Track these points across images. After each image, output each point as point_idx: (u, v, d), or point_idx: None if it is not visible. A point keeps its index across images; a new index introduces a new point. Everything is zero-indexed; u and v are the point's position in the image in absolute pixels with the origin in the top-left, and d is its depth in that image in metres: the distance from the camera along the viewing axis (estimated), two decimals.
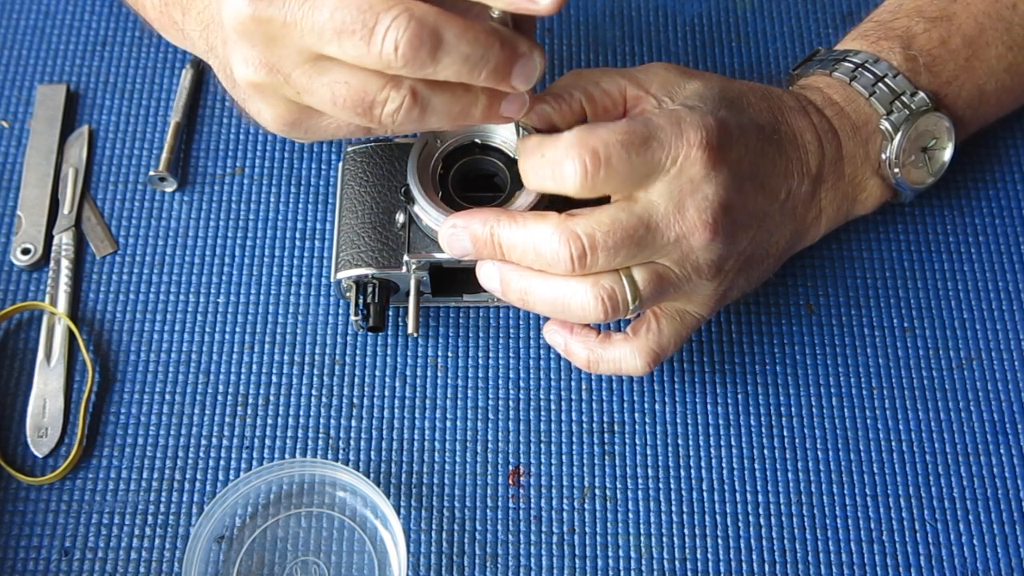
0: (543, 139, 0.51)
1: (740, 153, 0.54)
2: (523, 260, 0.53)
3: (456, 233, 0.55)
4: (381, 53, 0.44)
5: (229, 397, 0.62)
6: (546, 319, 0.60)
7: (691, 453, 0.61)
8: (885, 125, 0.60)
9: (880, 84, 0.60)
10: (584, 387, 0.63)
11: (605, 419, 0.62)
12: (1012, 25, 0.63)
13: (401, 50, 0.44)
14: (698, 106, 0.53)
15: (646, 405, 0.62)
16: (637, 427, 0.62)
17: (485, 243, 0.54)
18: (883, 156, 0.60)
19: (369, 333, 0.64)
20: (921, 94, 0.60)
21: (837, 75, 0.61)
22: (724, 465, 0.61)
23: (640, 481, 0.60)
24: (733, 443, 0.61)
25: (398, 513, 0.58)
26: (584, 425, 0.62)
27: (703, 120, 0.52)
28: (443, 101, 0.48)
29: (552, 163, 0.51)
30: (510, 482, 0.60)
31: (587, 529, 0.59)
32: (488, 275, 0.56)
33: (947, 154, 0.62)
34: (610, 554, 0.59)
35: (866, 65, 0.61)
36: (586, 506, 0.60)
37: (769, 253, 0.59)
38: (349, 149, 0.63)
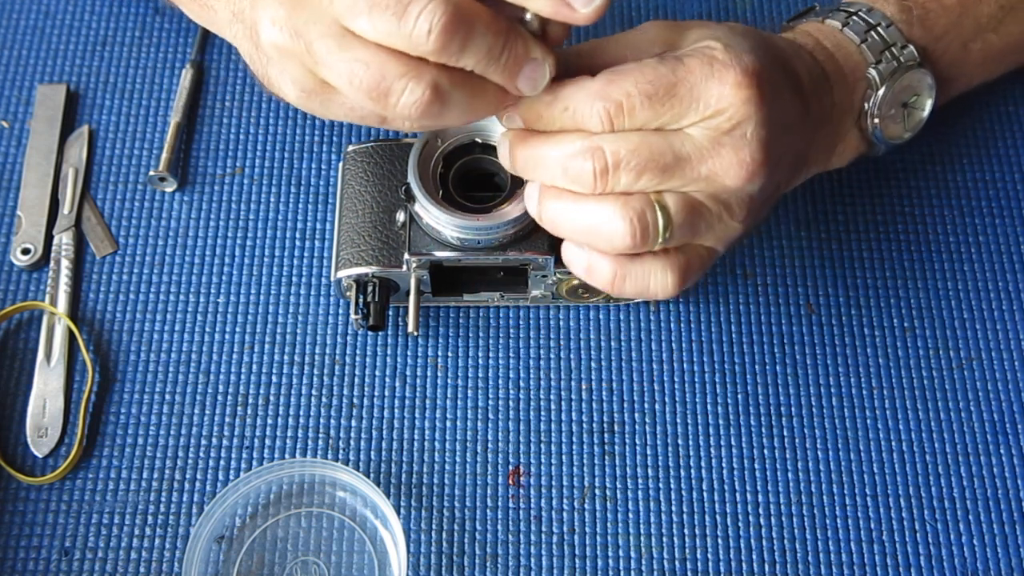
0: (559, 88, 0.50)
1: (774, 90, 0.52)
2: (553, 180, 0.52)
3: (504, 152, 0.54)
4: (412, 33, 0.44)
5: (229, 397, 0.62)
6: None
7: (691, 453, 0.61)
8: (872, 74, 0.59)
9: (872, 32, 0.60)
10: (584, 387, 0.63)
11: (605, 419, 0.62)
12: None
13: (435, 34, 0.43)
14: (736, 44, 0.51)
15: (646, 405, 0.62)
16: (637, 427, 0.62)
17: (518, 161, 0.53)
18: (865, 106, 0.60)
19: (369, 333, 0.64)
20: (911, 47, 0.60)
21: (829, 21, 0.61)
22: (724, 465, 0.61)
23: (640, 481, 0.60)
24: (733, 443, 0.61)
25: (398, 513, 0.58)
26: (584, 425, 0.62)
27: (739, 59, 0.50)
28: (462, 96, 0.47)
29: (574, 114, 0.49)
30: (510, 482, 0.60)
31: (587, 529, 0.59)
32: (530, 195, 0.54)
33: (925, 112, 0.62)
34: (610, 554, 0.59)
35: (859, 13, 0.60)
36: (586, 506, 0.60)
37: (776, 195, 0.57)
38: (349, 149, 0.63)
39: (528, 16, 0.48)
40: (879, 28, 0.60)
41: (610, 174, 0.50)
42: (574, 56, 0.53)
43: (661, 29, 0.54)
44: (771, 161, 0.52)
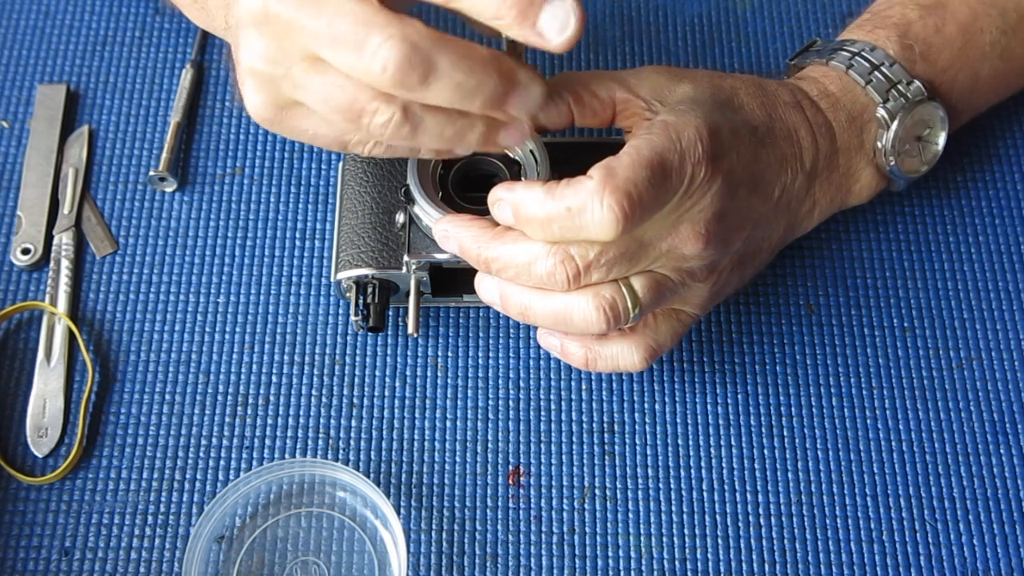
0: (551, 189, 0.50)
1: (733, 161, 0.54)
2: (517, 280, 0.53)
3: (447, 238, 0.55)
4: (370, 69, 0.44)
5: (229, 397, 0.62)
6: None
7: (691, 453, 0.61)
8: (881, 113, 0.60)
9: (876, 72, 0.60)
10: (584, 387, 0.63)
11: (605, 419, 0.62)
12: (1006, 10, 0.63)
13: (389, 72, 0.44)
14: (690, 111, 0.53)
15: (646, 405, 0.62)
16: (637, 427, 0.62)
17: (474, 260, 0.54)
18: (878, 145, 0.60)
19: (369, 333, 0.64)
20: (917, 83, 0.60)
21: (834, 63, 0.61)
22: (724, 465, 0.61)
23: (640, 481, 0.60)
24: (733, 443, 0.61)
25: (398, 513, 0.58)
26: (584, 425, 0.62)
27: (697, 131, 0.51)
28: (436, 123, 0.48)
29: (579, 214, 0.49)
30: (510, 482, 0.60)
31: (587, 529, 0.59)
32: (488, 290, 0.55)
33: (940, 143, 0.62)
34: (610, 554, 0.59)
35: (862, 53, 0.61)
36: (586, 506, 0.60)
37: (762, 248, 0.59)
38: None
39: (504, 42, 0.48)
40: (883, 68, 0.60)
41: (582, 276, 0.51)
42: (562, 83, 0.55)
43: (657, 77, 0.57)
44: (729, 227, 0.54)
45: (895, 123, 0.60)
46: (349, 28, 0.44)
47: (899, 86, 0.60)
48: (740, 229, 0.55)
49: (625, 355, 0.56)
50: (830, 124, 0.60)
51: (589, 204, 0.48)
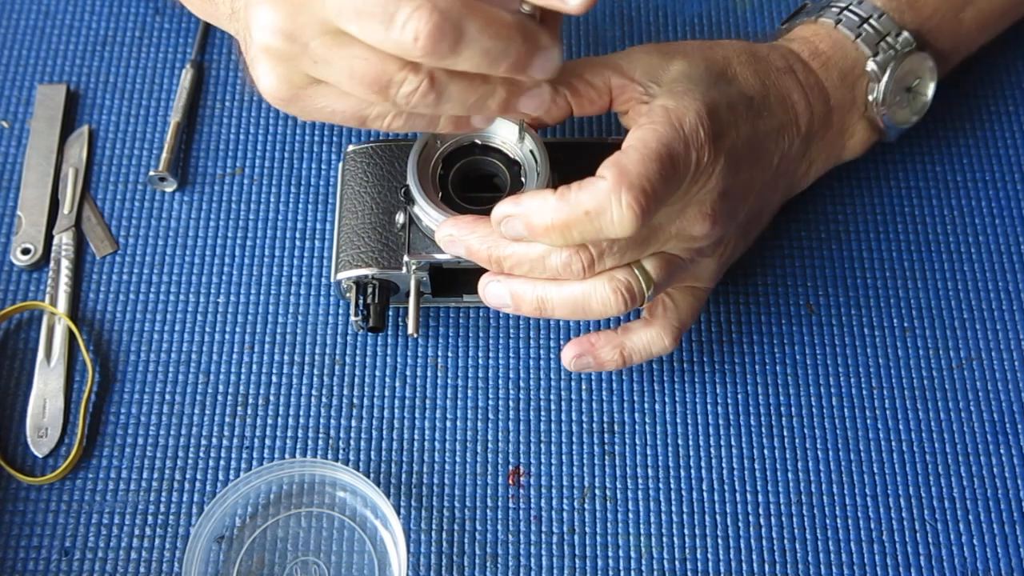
0: (563, 195, 0.50)
1: (734, 138, 0.54)
2: (532, 275, 0.54)
3: (453, 242, 0.55)
4: (400, 40, 0.44)
5: (229, 397, 0.62)
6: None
7: (691, 453, 0.61)
8: (872, 67, 0.60)
9: (865, 25, 0.61)
10: (584, 387, 0.63)
11: (605, 419, 0.62)
12: None
13: (421, 41, 0.43)
14: (687, 92, 0.53)
15: (646, 405, 0.62)
16: (637, 427, 0.62)
17: (484, 261, 0.54)
18: (870, 98, 0.61)
19: (369, 333, 0.64)
20: (905, 34, 0.61)
21: (823, 20, 0.62)
22: (724, 465, 0.61)
23: (640, 481, 0.60)
24: (733, 443, 0.61)
25: (398, 513, 0.58)
26: (584, 425, 0.62)
27: (698, 115, 0.51)
28: (460, 89, 0.47)
29: (598, 216, 0.49)
30: (510, 482, 0.60)
31: (587, 529, 0.59)
32: (496, 294, 0.55)
33: (929, 94, 0.63)
34: (610, 554, 0.59)
35: (851, 7, 0.61)
36: (586, 506, 0.60)
37: (764, 213, 0.60)
38: (349, 149, 0.63)
39: (526, 8, 0.48)
40: (871, 20, 0.61)
41: (595, 264, 0.52)
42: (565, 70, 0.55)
43: (648, 57, 0.56)
44: (734, 202, 0.54)
45: (886, 75, 0.60)
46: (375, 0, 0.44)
47: (888, 38, 0.60)
48: (744, 201, 0.56)
49: (655, 341, 0.58)
50: (823, 85, 0.60)
51: (607, 205, 0.48)
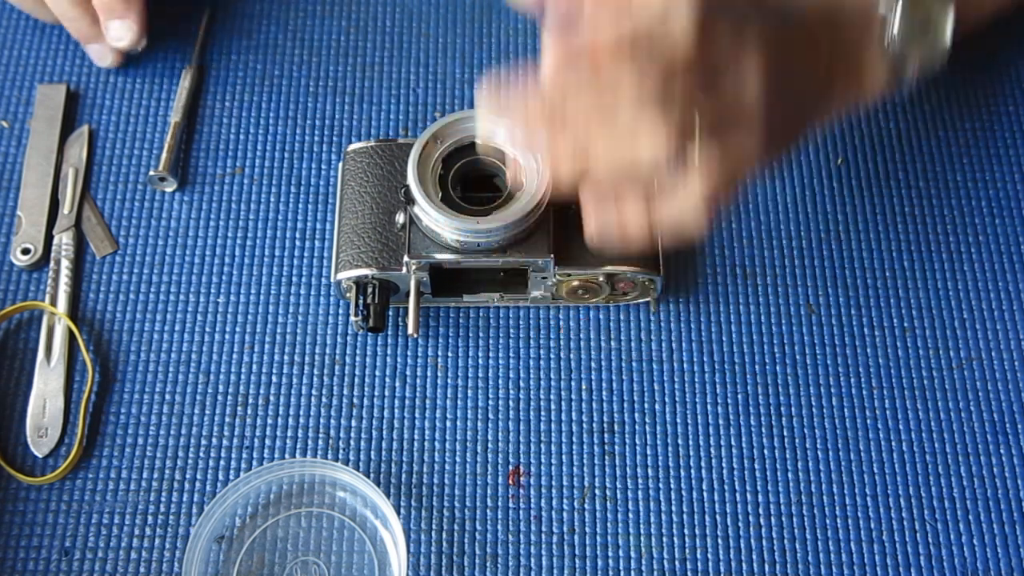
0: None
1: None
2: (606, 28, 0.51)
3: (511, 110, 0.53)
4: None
5: (229, 397, 0.62)
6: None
7: (691, 453, 0.61)
8: (883, 10, 0.57)
9: None
10: (584, 387, 0.63)
11: (605, 419, 0.62)
12: None
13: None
14: None
15: (646, 405, 0.62)
16: (637, 427, 0.62)
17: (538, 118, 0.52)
18: (885, 41, 0.58)
19: (369, 333, 0.64)
20: None
21: None
22: (724, 465, 0.61)
23: (640, 481, 0.60)
24: (733, 443, 0.61)
25: (398, 513, 0.58)
26: (584, 425, 0.62)
27: None
28: None
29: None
30: (510, 482, 0.60)
31: (587, 529, 0.59)
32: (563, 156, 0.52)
33: (947, 37, 0.59)
34: (610, 554, 0.59)
35: None
36: (586, 506, 0.60)
37: (797, 121, 0.58)
38: (349, 149, 0.63)
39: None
40: None
41: (665, 82, 0.50)
42: None
43: None
44: (777, 77, 0.52)
45: (899, 19, 0.57)
46: None
47: None
48: (786, 90, 0.54)
49: (687, 206, 0.53)
50: (831, 15, 0.57)
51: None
